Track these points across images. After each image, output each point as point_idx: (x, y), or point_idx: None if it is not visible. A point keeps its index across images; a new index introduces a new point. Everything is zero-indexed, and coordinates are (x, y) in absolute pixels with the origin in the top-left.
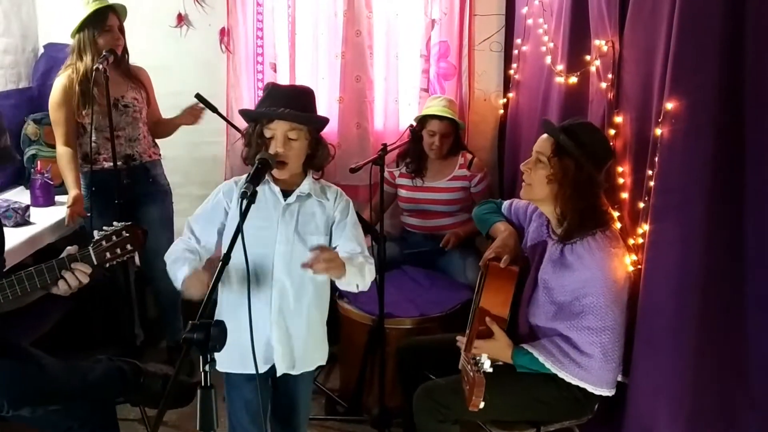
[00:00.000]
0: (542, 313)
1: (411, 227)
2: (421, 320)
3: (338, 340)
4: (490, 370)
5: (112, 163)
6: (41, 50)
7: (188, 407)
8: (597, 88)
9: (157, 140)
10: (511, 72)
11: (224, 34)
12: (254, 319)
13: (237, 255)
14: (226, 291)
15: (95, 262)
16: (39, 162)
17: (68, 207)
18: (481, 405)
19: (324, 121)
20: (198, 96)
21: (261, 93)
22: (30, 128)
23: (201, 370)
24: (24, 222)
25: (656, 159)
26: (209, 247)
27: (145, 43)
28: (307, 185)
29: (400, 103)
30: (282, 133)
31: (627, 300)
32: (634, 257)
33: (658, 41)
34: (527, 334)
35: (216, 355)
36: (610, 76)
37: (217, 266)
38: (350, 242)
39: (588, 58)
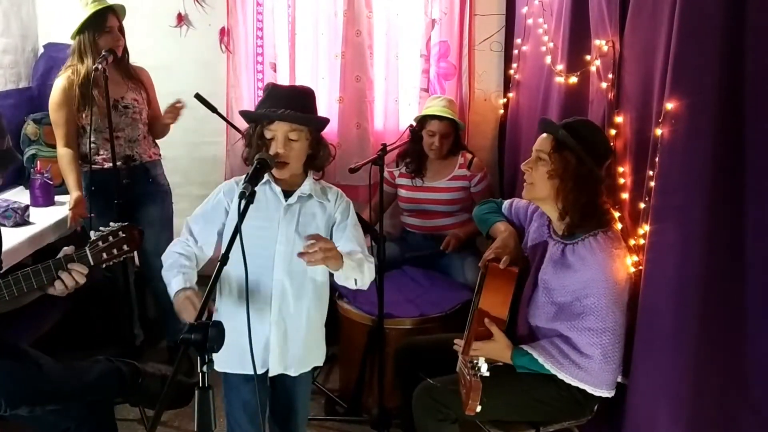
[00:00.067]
0: (542, 313)
1: (411, 227)
2: (421, 320)
3: (338, 340)
4: (487, 374)
5: (111, 164)
6: (41, 50)
7: (188, 407)
8: (597, 88)
9: (157, 140)
10: (511, 72)
11: (224, 33)
12: (254, 320)
13: (237, 256)
14: (225, 292)
15: (92, 263)
16: (39, 162)
17: (70, 209)
18: (478, 409)
19: (324, 121)
20: (197, 96)
21: (261, 93)
22: (30, 128)
23: (199, 370)
24: (23, 222)
25: (656, 159)
26: (207, 248)
27: (145, 43)
28: (308, 186)
29: (400, 103)
30: (282, 134)
31: (628, 301)
32: (635, 258)
33: (659, 41)
34: (527, 334)
35: (214, 355)
36: (610, 76)
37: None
38: (351, 243)
39: (588, 58)
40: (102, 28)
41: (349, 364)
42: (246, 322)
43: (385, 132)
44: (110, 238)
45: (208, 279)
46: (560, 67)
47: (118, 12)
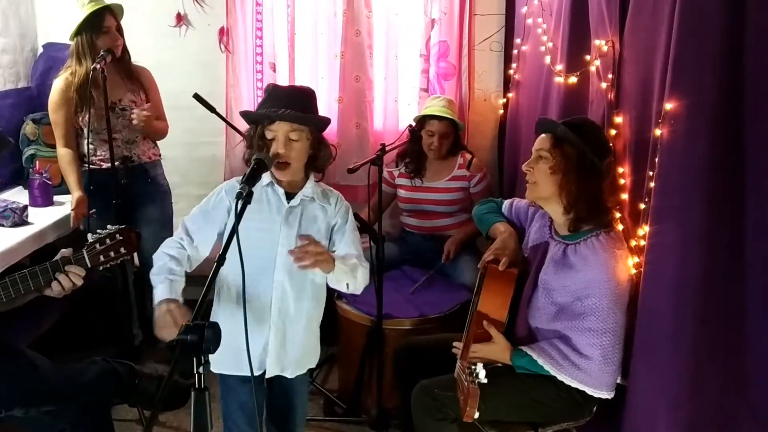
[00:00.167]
0: (542, 314)
1: (410, 227)
2: (420, 321)
3: (337, 340)
4: (485, 380)
5: (109, 164)
6: (40, 50)
7: (186, 408)
8: (597, 89)
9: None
10: (511, 72)
11: (223, 33)
12: (253, 321)
13: (236, 256)
14: (224, 292)
15: (89, 265)
16: (37, 162)
17: (72, 209)
18: (476, 416)
19: (325, 121)
20: (196, 96)
21: (260, 93)
22: (29, 128)
23: (195, 372)
24: (22, 222)
25: (656, 160)
26: (204, 247)
27: (144, 42)
28: (310, 188)
29: (399, 103)
30: (283, 134)
31: (628, 302)
32: (636, 259)
33: (659, 41)
34: (526, 335)
35: (212, 356)
36: (610, 76)
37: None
38: (348, 247)
39: (588, 58)
40: (99, 29)
41: (348, 365)
42: (242, 322)
43: (385, 132)
44: (108, 241)
45: (205, 279)
46: (560, 67)
47: (115, 12)
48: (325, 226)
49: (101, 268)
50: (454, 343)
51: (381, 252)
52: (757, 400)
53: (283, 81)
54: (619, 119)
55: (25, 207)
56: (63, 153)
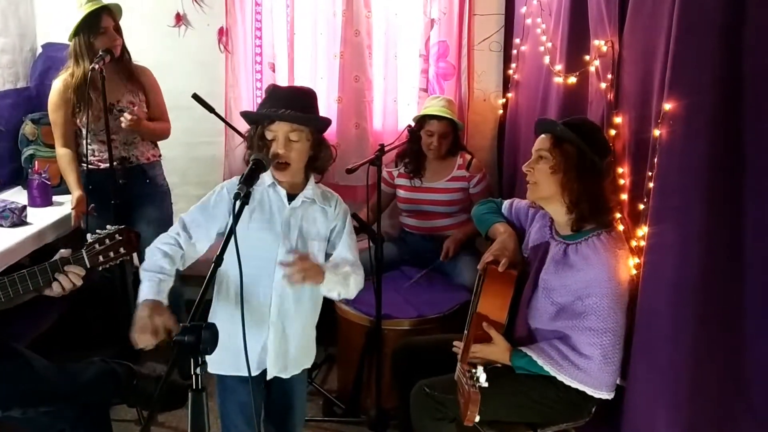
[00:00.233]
0: (542, 315)
1: (409, 228)
2: (419, 321)
3: (336, 341)
4: (486, 384)
5: (107, 165)
6: (39, 50)
7: (184, 408)
8: (596, 89)
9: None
10: (510, 72)
11: (223, 33)
12: (252, 322)
13: (235, 256)
14: (222, 292)
15: (88, 265)
16: (37, 162)
17: (72, 208)
18: (477, 419)
19: (326, 122)
20: (195, 96)
21: (260, 93)
22: (28, 128)
23: (192, 372)
24: (21, 222)
25: (655, 160)
26: (202, 244)
27: (143, 42)
28: (311, 190)
29: (399, 103)
30: (283, 135)
31: (628, 302)
32: (636, 260)
33: (658, 41)
34: (525, 336)
35: (210, 357)
36: (609, 76)
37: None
38: (346, 250)
39: (587, 58)
40: (97, 29)
41: (347, 365)
42: (240, 322)
43: (384, 132)
44: (107, 241)
45: (203, 279)
46: (559, 67)
47: (113, 12)
48: (324, 228)
49: (100, 268)
50: (455, 342)
51: (380, 252)
52: (756, 400)
53: (282, 81)
54: (618, 119)
55: (24, 207)
56: (62, 153)
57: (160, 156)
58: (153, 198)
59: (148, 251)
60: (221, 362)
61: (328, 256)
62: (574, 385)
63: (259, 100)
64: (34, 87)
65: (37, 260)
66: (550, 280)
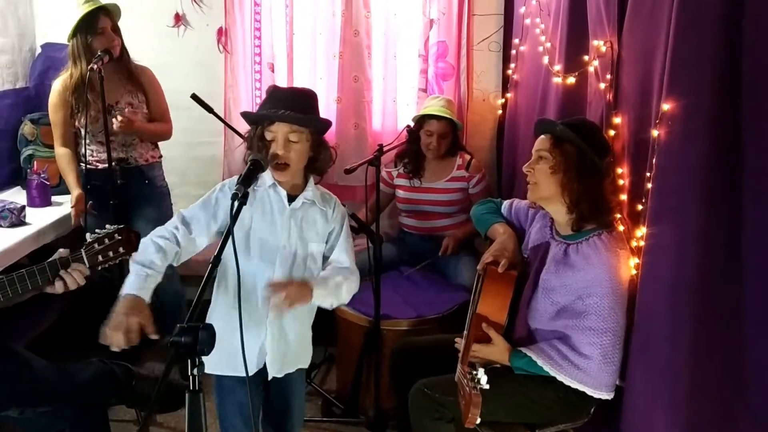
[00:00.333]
0: (542, 315)
1: (408, 228)
2: (418, 321)
3: (335, 341)
4: (487, 386)
5: (106, 165)
6: (38, 50)
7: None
8: (595, 89)
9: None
10: (510, 72)
11: (222, 34)
12: (251, 323)
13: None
14: (222, 293)
15: (87, 265)
16: (36, 162)
17: (72, 207)
18: (477, 421)
19: (326, 123)
20: (193, 96)
21: (259, 93)
22: (27, 128)
23: (189, 373)
24: (19, 222)
25: (653, 161)
26: (200, 240)
27: (142, 43)
28: (311, 192)
29: (398, 103)
30: (282, 136)
31: (628, 303)
32: (636, 260)
33: (657, 42)
34: (525, 336)
35: (207, 357)
36: (608, 76)
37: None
38: (342, 253)
39: (586, 58)
40: (94, 30)
41: (346, 366)
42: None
43: (383, 132)
44: (106, 241)
45: (200, 280)
46: (558, 67)
47: (111, 12)
48: (323, 229)
49: (100, 268)
50: (457, 339)
51: (378, 252)
52: (755, 400)
53: (281, 81)
54: (617, 120)
55: (23, 207)
56: (61, 153)
57: (160, 157)
58: (152, 199)
59: (142, 243)
60: (218, 362)
61: (325, 258)
62: (574, 385)
63: (258, 100)
64: (33, 87)
65: (36, 260)
66: (551, 280)
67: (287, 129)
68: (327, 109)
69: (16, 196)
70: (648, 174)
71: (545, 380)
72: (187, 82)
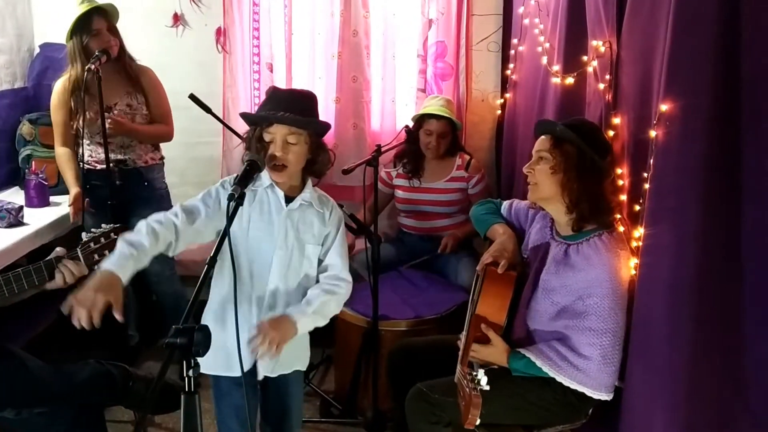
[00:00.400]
0: (541, 315)
1: (407, 228)
2: (416, 322)
3: (333, 342)
4: (487, 387)
5: (103, 166)
6: (37, 50)
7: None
8: (594, 89)
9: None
10: (508, 72)
11: (220, 34)
12: (243, 322)
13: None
14: (217, 291)
15: (84, 264)
16: (34, 162)
17: (70, 205)
18: (477, 422)
19: (325, 126)
20: (192, 96)
21: (258, 93)
22: (25, 128)
23: (184, 375)
24: (17, 223)
25: (651, 161)
26: (200, 226)
27: (141, 43)
28: (308, 193)
29: (397, 103)
30: (281, 137)
31: (628, 303)
32: (636, 261)
33: (656, 42)
34: (524, 337)
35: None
36: (607, 77)
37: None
38: (336, 257)
39: (585, 58)
40: (89, 31)
41: (344, 366)
42: (233, 322)
43: (382, 132)
44: (102, 240)
45: (195, 280)
46: (556, 68)
47: (108, 13)
48: (319, 232)
49: (96, 267)
50: (461, 336)
51: (376, 253)
52: (754, 401)
53: (280, 81)
54: (617, 120)
55: (21, 207)
56: (61, 152)
57: (161, 159)
58: (151, 201)
59: (139, 224)
60: (212, 362)
61: (319, 262)
62: (573, 386)
63: (257, 101)
64: (31, 87)
65: (34, 261)
66: (551, 280)
67: (286, 131)
68: (326, 109)
69: (14, 196)
70: (645, 174)
71: (543, 382)
72: (186, 82)
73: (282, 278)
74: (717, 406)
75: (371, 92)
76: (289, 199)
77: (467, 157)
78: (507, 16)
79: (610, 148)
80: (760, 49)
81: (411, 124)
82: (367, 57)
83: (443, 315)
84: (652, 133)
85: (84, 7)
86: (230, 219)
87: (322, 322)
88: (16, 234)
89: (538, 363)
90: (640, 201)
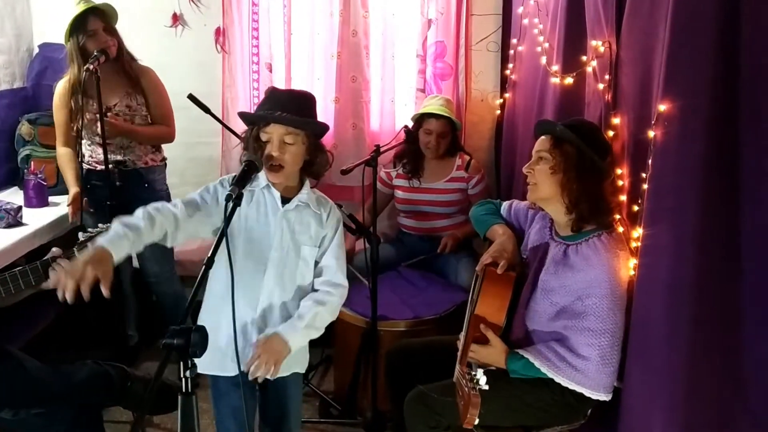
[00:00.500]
0: (540, 316)
1: (407, 228)
2: (415, 322)
3: (333, 342)
4: (486, 387)
5: (104, 166)
6: (36, 50)
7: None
8: (594, 89)
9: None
10: (508, 72)
11: (220, 34)
12: (237, 322)
13: (226, 256)
14: (213, 291)
15: None
16: (33, 162)
17: (68, 205)
18: (476, 422)
19: (323, 127)
20: (190, 96)
21: (257, 93)
22: (24, 128)
23: (182, 375)
24: (16, 223)
25: (649, 161)
26: (200, 221)
27: (140, 43)
28: (305, 194)
29: (396, 103)
30: (278, 137)
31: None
32: (635, 261)
33: (656, 42)
34: (522, 338)
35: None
36: (607, 77)
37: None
38: (332, 259)
39: (584, 58)
40: (86, 32)
41: (344, 367)
42: (228, 323)
43: (381, 132)
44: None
45: (194, 281)
46: (556, 68)
47: (104, 13)
48: (315, 233)
49: None
50: (461, 335)
51: (375, 253)
52: (754, 401)
53: (279, 81)
54: (616, 120)
55: (20, 208)
56: (62, 152)
57: (162, 161)
58: (150, 202)
59: (139, 209)
60: (207, 362)
61: (316, 263)
62: (572, 386)
63: (256, 101)
64: (30, 87)
65: (33, 261)
66: (550, 280)
67: (283, 131)
68: (325, 109)
69: (13, 196)
70: (643, 175)
71: (541, 382)
72: (185, 82)
73: (277, 279)
74: (716, 406)
75: (370, 92)
76: (286, 200)
77: (467, 157)
78: (506, 16)
79: (609, 149)
80: (759, 48)
81: (410, 124)
82: (367, 57)
83: (442, 315)
84: (651, 134)
85: (80, 8)
86: (228, 219)
87: (316, 334)
88: (14, 234)
89: (537, 364)
90: (639, 201)
